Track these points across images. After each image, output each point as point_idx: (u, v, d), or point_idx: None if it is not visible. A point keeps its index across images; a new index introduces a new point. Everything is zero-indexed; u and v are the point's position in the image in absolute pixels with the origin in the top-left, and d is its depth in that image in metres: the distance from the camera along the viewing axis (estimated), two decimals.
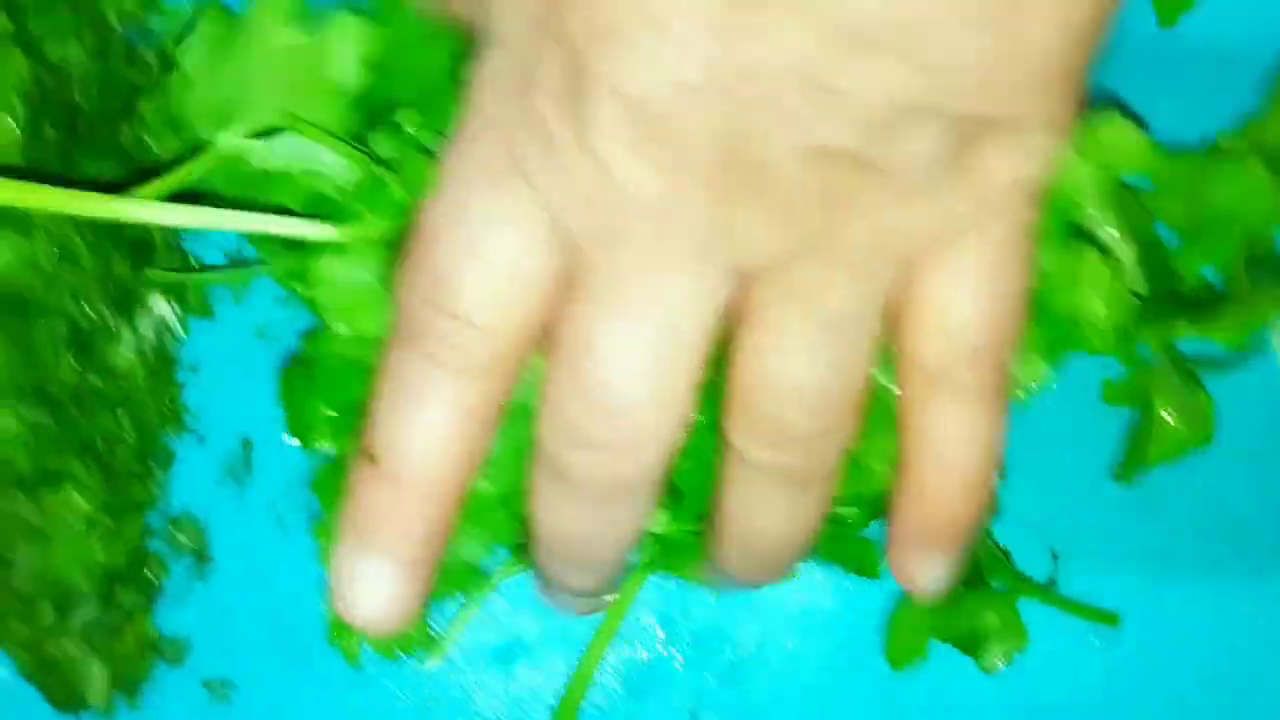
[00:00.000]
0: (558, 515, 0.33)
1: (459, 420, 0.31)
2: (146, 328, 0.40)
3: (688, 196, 0.28)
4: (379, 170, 0.33)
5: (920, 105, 0.27)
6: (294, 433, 0.35)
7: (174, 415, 0.40)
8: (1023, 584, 0.41)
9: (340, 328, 0.34)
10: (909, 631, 0.41)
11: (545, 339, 0.31)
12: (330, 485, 0.34)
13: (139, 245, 0.39)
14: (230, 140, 0.34)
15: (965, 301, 0.31)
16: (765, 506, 0.33)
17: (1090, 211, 0.36)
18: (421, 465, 0.31)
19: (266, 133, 0.34)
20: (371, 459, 0.31)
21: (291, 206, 0.34)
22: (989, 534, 0.41)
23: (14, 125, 0.36)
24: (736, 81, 0.27)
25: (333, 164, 0.34)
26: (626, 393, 0.30)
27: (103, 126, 0.39)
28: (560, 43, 0.28)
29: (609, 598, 0.39)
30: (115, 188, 0.38)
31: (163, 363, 0.40)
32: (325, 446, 0.35)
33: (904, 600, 0.41)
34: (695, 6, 0.26)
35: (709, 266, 0.29)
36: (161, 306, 0.40)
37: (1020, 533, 0.42)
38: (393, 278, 0.32)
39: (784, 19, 0.26)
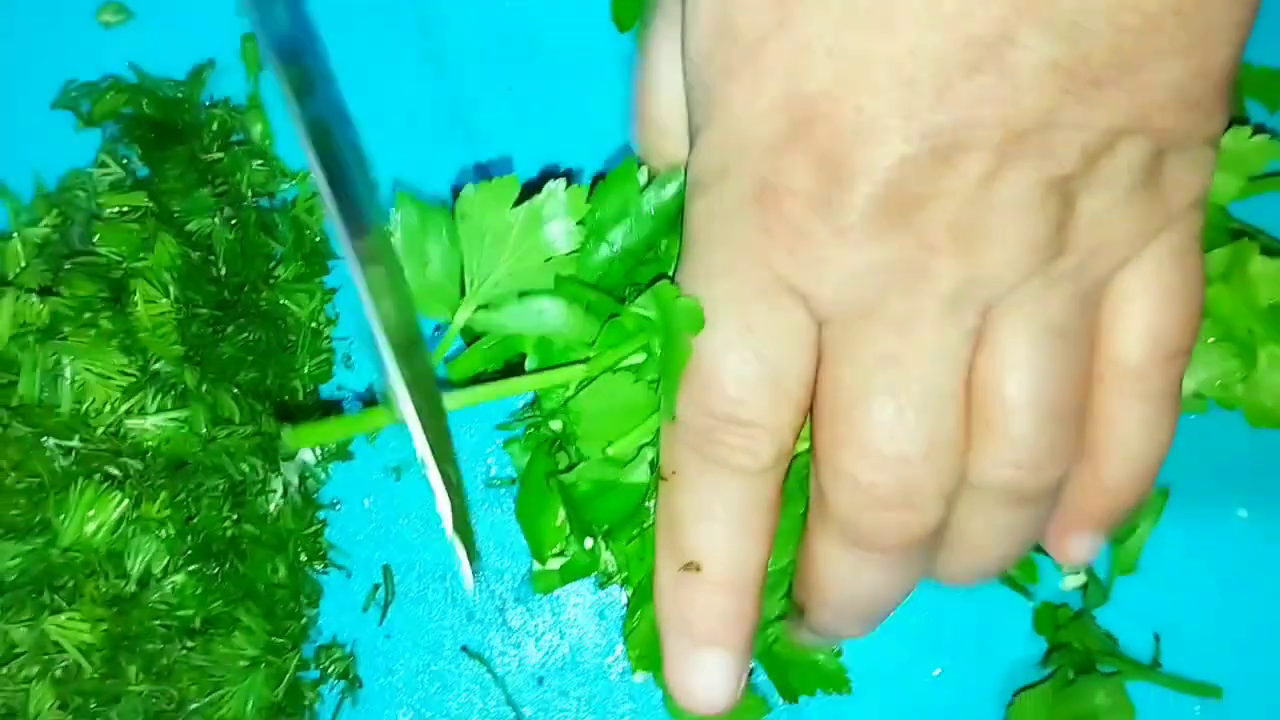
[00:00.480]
0: (853, 575, 0.35)
1: (760, 516, 0.34)
2: (291, 474, 0.42)
3: (938, 253, 0.31)
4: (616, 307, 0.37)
5: (1132, 127, 0.31)
6: (534, 551, 0.39)
7: (320, 552, 0.43)
8: (1130, 666, 0.42)
9: (593, 451, 0.37)
10: (1030, 714, 0.43)
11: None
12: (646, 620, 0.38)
13: (283, 403, 0.42)
14: (467, 315, 0.38)
15: (1162, 308, 0.34)
16: (991, 523, 0.35)
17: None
18: (740, 566, 0.35)
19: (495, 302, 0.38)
20: (695, 568, 0.34)
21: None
22: (1095, 621, 0.43)
23: (168, 304, 0.40)
24: (977, 137, 0.30)
25: (556, 315, 0.37)
26: (910, 450, 0.32)
27: (246, 293, 0.42)
28: (806, 151, 0.31)
29: None
30: (265, 352, 0.41)
31: (308, 504, 0.43)
32: (557, 559, 0.39)
33: (1022, 693, 0.43)
34: (932, 78, 0.29)
35: (959, 313, 0.32)
36: (305, 453, 0.43)
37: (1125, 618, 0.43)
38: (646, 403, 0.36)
39: (1024, 75, 0.29)
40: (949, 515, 0.34)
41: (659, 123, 0.37)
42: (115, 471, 0.39)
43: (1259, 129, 0.39)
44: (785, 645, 0.39)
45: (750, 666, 0.36)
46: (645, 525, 0.37)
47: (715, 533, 0.34)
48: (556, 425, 0.38)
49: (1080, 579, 0.43)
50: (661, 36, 0.36)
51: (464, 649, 0.44)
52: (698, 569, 0.34)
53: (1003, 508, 0.34)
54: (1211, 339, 0.40)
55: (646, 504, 0.37)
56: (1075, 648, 0.42)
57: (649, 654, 0.38)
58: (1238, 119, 0.42)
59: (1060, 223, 0.31)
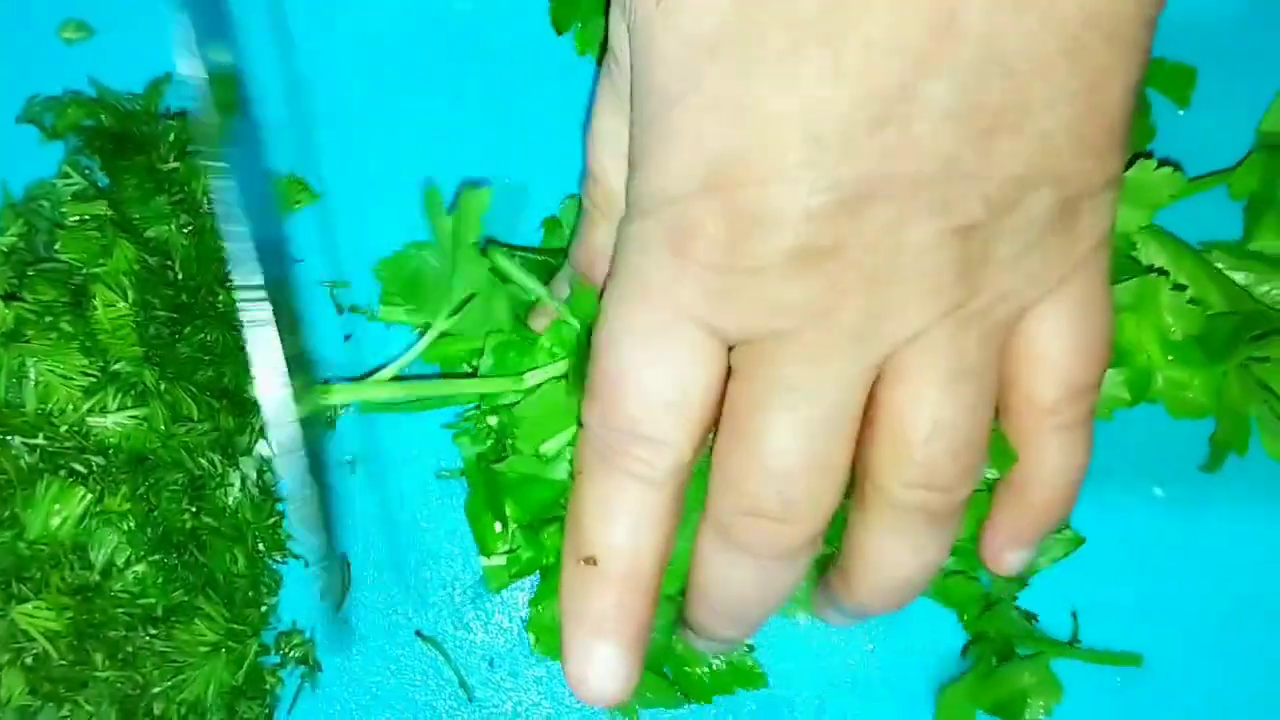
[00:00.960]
0: (726, 577, 0.37)
1: (660, 520, 0.36)
2: (250, 467, 0.44)
3: (847, 295, 0.33)
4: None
5: (1034, 175, 0.33)
6: (480, 547, 0.42)
7: (279, 542, 0.45)
8: (1050, 645, 0.45)
9: (527, 449, 0.40)
10: (957, 706, 0.45)
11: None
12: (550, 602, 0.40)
13: (240, 400, 0.44)
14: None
15: (1070, 347, 0.36)
16: (903, 543, 0.37)
17: (1140, 247, 0.43)
18: (635, 564, 0.36)
19: None
20: (591, 562, 0.36)
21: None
22: (1013, 604, 0.45)
23: (127, 307, 0.41)
24: (882, 189, 0.32)
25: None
26: (798, 470, 0.34)
27: (203, 296, 0.44)
28: (718, 203, 0.33)
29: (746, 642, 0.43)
30: (222, 353, 0.43)
31: (266, 496, 0.45)
32: (501, 553, 0.41)
33: (951, 680, 0.45)
34: (838, 134, 0.31)
35: (864, 350, 0.34)
36: (263, 447, 0.45)
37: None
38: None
39: (925, 125, 0.31)
40: (861, 539, 0.37)
41: (596, 175, 0.40)
42: (79, 468, 0.41)
43: (1164, 162, 0.42)
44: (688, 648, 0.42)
45: (642, 667, 0.38)
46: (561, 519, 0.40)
47: (613, 532, 0.36)
48: (493, 421, 0.40)
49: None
50: (605, 90, 0.39)
51: (418, 634, 0.45)
52: (594, 563, 0.36)
53: (915, 527, 0.36)
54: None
55: (563, 500, 0.40)
56: (993, 636, 0.44)
57: (549, 640, 0.41)
58: (1142, 153, 0.44)
59: (966, 268, 0.33)
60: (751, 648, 0.43)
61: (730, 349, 0.35)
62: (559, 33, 0.46)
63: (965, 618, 0.45)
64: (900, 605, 0.39)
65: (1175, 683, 0.46)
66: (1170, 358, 0.43)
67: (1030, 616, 0.45)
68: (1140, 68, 0.33)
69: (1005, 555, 0.40)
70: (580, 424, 0.37)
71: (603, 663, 0.37)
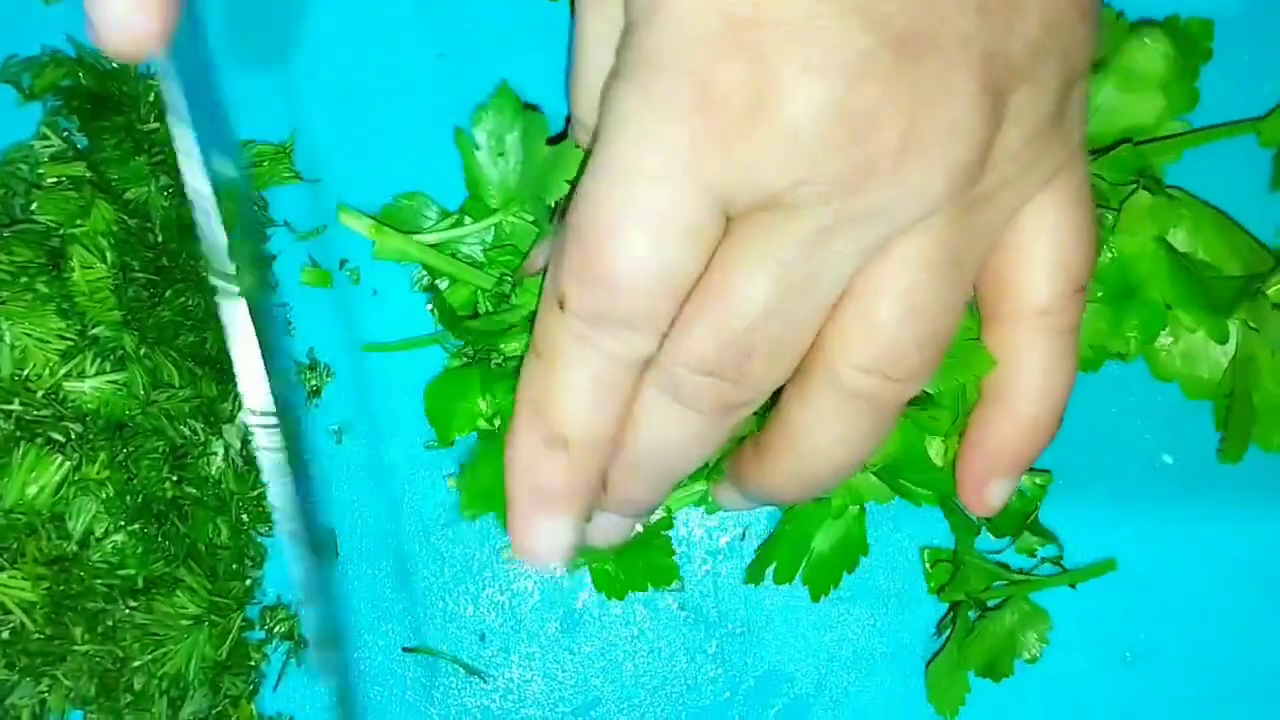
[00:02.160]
0: (659, 433, 0.35)
1: (621, 397, 0.35)
2: (233, 436, 0.43)
3: (877, 170, 0.30)
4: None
5: (1048, 41, 0.31)
6: (437, 431, 0.41)
7: (263, 514, 0.44)
8: (1023, 581, 0.43)
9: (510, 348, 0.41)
10: (946, 678, 0.43)
11: None
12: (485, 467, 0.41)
13: (222, 366, 0.43)
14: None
15: (1067, 245, 0.35)
16: (834, 430, 0.35)
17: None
18: (599, 442, 0.35)
19: None
20: (559, 441, 0.35)
21: None
22: (978, 556, 0.43)
23: (105, 269, 0.40)
24: (931, 33, 0.30)
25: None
26: (766, 338, 0.33)
27: (184, 260, 0.43)
28: (745, 51, 0.30)
29: (639, 527, 0.42)
30: (204, 317, 0.42)
31: (250, 466, 0.44)
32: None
33: (930, 665, 0.44)
34: None
35: (874, 230, 0.31)
36: (246, 416, 0.43)
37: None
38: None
39: None
40: (793, 416, 0.35)
41: (585, 120, 0.37)
42: (56, 435, 0.40)
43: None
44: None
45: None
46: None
47: (578, 409, 0.35)
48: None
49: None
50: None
51: (405, 649, 0.45)
52: (564, 442, 0.35)
53: (852, 416, 0.34)
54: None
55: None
56: (965, 598, 0.43)
57: (480, 503, 0.41)
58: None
59: (985, 145, 0.31)
60: (665, 530, 0.43)
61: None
62: None
63: (933, 585, 0.44)
64: (804, 497, 0.38)
65: (1178, 669, 0.45)
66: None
67: (1004, 565, 0.44)
68: None
69: (988, 487, 0.38)
70: (552, 304, 0.35)
71: (555, 534, 0.37)
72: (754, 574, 0.43)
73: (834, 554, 0.42)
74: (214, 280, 0.38)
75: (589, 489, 0.36)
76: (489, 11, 0.46)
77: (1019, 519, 0.41)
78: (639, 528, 0.42)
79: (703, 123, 0.30)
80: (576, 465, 0.35)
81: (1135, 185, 0.41)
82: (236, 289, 0.38)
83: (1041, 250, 0.35)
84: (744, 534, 0.45)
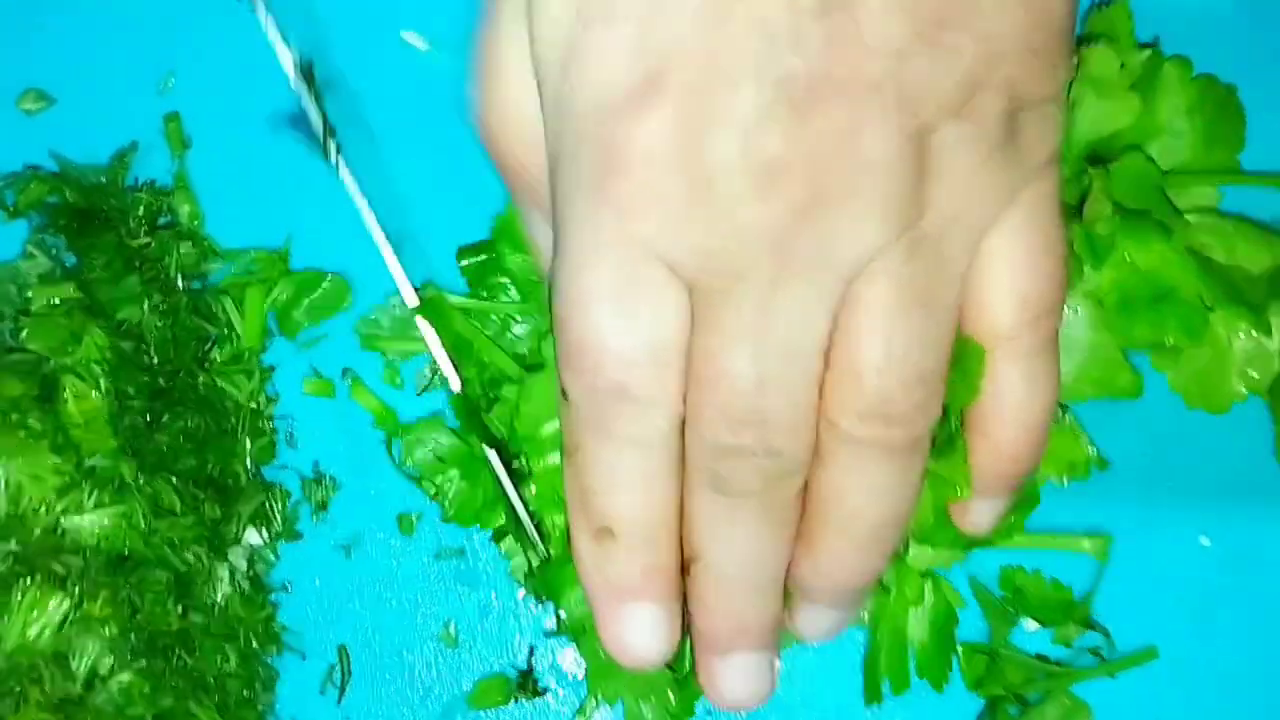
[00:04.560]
0: (727, 525, 0.34)
1: (667, 476, 0.34)
2: (239, 558, 0.42)
3: (802, 217, 0.30)
4: None
5: (984, 77, 0.31)
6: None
7: (273, 636, 0.43)
8: (1063, 673, 0.42)
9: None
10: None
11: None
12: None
13: (225, 487, 0.41)
14: None
15: (1028, 268, 0.34)
16: (861, 483, 0.34)
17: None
18: (652, 524, 0.35)
19: None
20: (607, 534, 0.35)
21: None
22: (1012, 648, 0.42)
23: (99, 398, 0.39)
24: (837, 84, 0.29)
25: None
26: (768, 409, 0.32)
27: (181, 379, 0.41)
28: (660, 107, 0.30)
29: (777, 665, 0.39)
30: (204, 439, 0.41)
31: (257, 589, 0.42)
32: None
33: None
34: (785, 20, 0.29)
35: (822, 279, 0.31)
36: (252, 536, 0.42)
37: None
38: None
39: (873, 15, 0.29)
40: (818, 488, 0.34)
41: (511, 163, 0.36)
42: (58, 568, 0.39)
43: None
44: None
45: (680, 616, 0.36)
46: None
47: (624, 500, 0.34)
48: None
49: (1035, 625, 0.42)
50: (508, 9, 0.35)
51: None
52: (610, 534, 0.35)
53: (872, 464, 0.34)
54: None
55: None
56: (1004, 693, 0.42)
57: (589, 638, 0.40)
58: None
59: (919, 181, 0.31)
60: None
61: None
62: None
63: (970, 680, 0.43)
64: (866, 571, 0.36)
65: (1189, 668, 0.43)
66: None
67: (1043, 658, 0.42)
68: None
69: (972, 508, 0.38)
70: (562, 399, 0.35)
71: (641, 623, 0.36)
72: (871, 693, 0.42)
73: (934, 634, 0.42)
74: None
75: (662, 575, 0.35)
76: None
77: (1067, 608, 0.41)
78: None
79: (627, 190, 0.31)
80: (635, 553, 0.35)
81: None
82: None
83: (1000, 276, 0.34)
84: None
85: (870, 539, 0.36)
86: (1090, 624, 0.42)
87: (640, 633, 0.36)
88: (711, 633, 0.36)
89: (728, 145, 0.30)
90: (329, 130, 0.40)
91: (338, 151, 0.40)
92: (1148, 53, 0.41)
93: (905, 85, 0.30)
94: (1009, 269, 0.34)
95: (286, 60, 0.39)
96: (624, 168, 0.31)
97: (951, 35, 0.30)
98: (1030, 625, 0.43)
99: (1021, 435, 0.36)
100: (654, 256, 0.32)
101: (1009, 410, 0.36)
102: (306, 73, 0.39)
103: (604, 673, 0.41)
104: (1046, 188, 0.34)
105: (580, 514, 0.35)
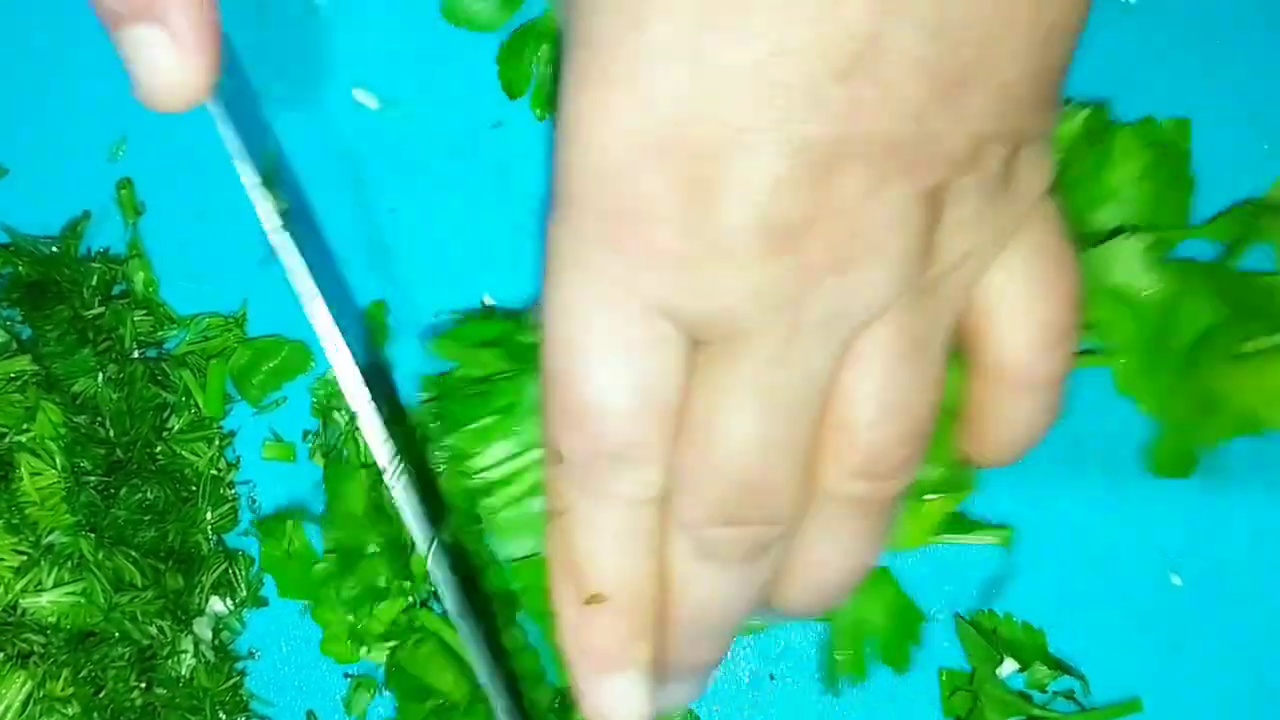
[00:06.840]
0: (706, 588, 0.34)
1: (654, 537, 0.34)
2: (203, 628, 0.41)
3: (816, 279, 0.30)
4: None
5: (995, 130, 0.30)
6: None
7: (240, 704, 0.42)
8: (1041, 716, 0.42)
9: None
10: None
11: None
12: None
13: (187, 556, 0.41)
14: None
15: (1040, 298, 0.34)
16: (833, 543, 0.34)
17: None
18: (639, 590, 0.34)
19: None
20: (598, 599, 0.34)
21: None
22: (999, 684, 0.42)
23: (55, 474, 0.39)
24: (853, 150, 0.29)
25: None
26: (766, 471, 0.32)
27: (139, 450, 0.41)
28: (668, 172, 0.29)
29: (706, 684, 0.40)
30: (163, 510, 0.41)
31: (223, 658, 0.42)
32: None
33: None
34: (802, 84, 0.28)
35: (829, 338, 0.31)
36: (216, 604, 0.42)
37: None
38: None
39: (896, 73, 0.28)
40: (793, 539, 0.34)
41: None
42: (23, 645, 0.38)
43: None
44: None
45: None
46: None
47: (612, 564, 0.34)
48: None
49: (1014, 665, 0.42)
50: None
51: None
52: (601, 600, 0.34)
53: (846, 524, 0.34)
54: None
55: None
56: None
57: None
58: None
59: (929, 235, 0.31)
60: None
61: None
62: (511, 97, 0.44)
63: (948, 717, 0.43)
64: (824, 608, 0.37)
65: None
66: None
67: (1025, 696, 0.42)
68: (1081, 27, 0.31)
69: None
70: (549, 458, 0.34)
71: (625, 691, 0.35)
72: (830, 678, 0.42)
73: (894, 620, 0.42)
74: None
75: (644, 639, 0.35)
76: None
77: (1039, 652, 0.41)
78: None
79: (633, 247, 0.30)
80: (622, 619, 0.34)
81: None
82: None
83: (1013, 310, 0.34)
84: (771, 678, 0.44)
85: (836, 588, 0.36)
86: (1062, 666, 0.42)
87: (625, 700, 0.35)
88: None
89: (744, 207, 0.29)
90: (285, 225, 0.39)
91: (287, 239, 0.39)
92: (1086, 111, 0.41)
93: (922, 146, 0.29)
94: (1020, 302, 0.33)
95: (247, 173, 0.38)
96: (636, 219, 0.30)
97: (970, 94, 0.29)
98: (1009, 667, 0.42)
99: (1022, 452, 0.36)
100: (659, 312, 0.31)
101: (1016, 438, 0.36)
102: (267, 180, 0.39)
103: None
104: (1047, 217, 0.34)
105: (566, 581, 0.35)
